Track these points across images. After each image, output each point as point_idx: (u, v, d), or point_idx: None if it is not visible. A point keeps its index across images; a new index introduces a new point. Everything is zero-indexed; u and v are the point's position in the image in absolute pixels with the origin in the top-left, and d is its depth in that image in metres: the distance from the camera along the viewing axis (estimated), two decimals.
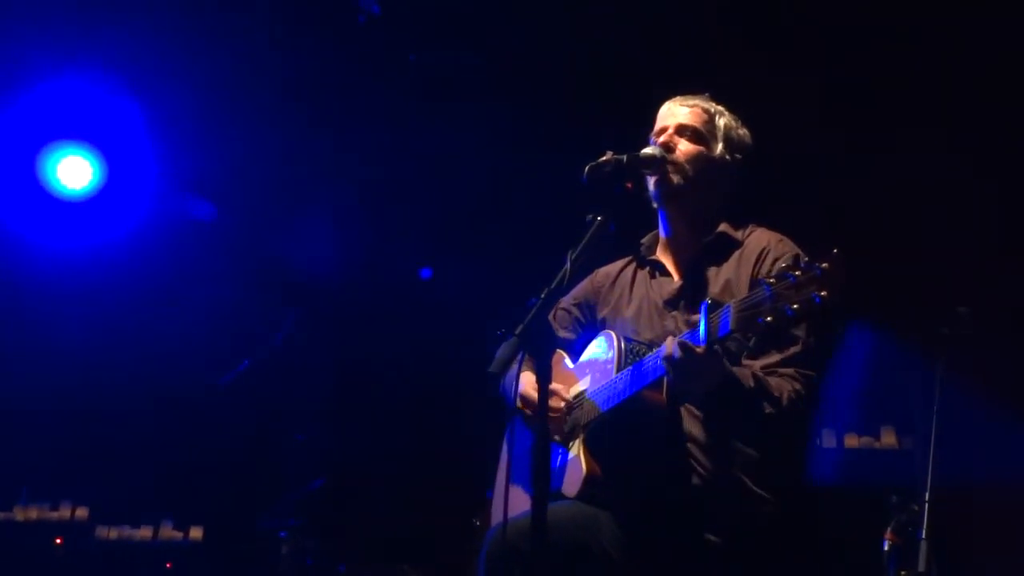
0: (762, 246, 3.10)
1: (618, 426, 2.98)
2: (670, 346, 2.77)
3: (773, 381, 2.92)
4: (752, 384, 2.87)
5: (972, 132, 4.88)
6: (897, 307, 4.70)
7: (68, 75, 5.65)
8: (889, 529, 3.94)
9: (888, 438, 4.67)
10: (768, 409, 2.88)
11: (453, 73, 5.50)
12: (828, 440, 4.69)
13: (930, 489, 3.75)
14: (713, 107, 3.23)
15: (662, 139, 3.18)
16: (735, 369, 2.89)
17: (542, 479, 2.55)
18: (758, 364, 2.97)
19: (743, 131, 3.23)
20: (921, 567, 3.66)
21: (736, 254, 3.13)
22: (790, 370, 2.95)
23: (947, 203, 4.91)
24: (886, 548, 3.92)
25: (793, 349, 2.97)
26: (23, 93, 5.68)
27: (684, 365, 2.75)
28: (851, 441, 4.70)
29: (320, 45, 5.60)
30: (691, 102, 3.23)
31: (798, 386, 2.93)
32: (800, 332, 2.97)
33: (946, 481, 3.76)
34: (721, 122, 3.20)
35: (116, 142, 5.82)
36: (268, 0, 5.50)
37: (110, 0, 5.43)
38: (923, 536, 3.68)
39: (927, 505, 3.73)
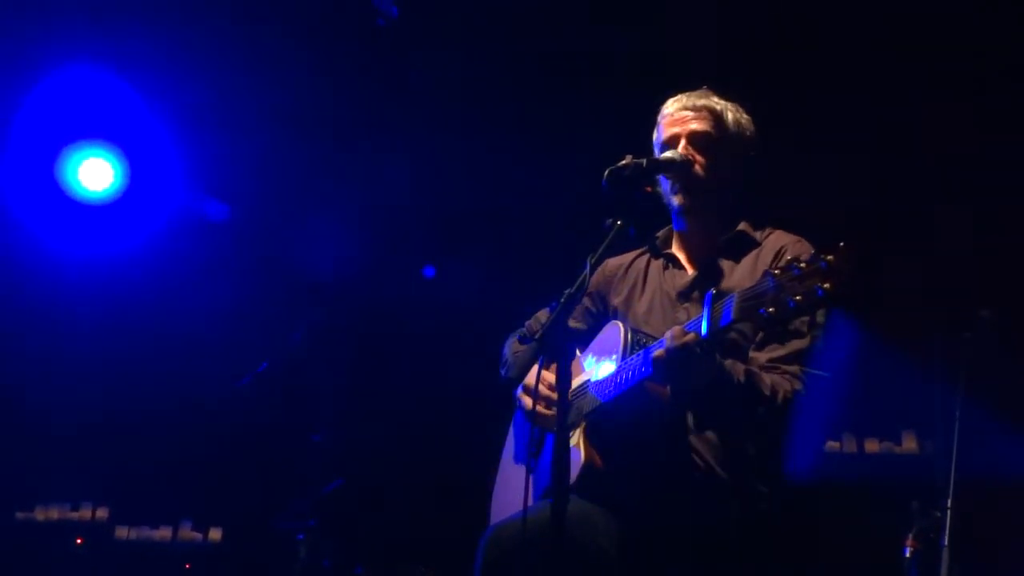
0: (780, 245, 3.09)
1: (618, 417, 2.95)
2: (669, 339, 2.74)
3: (768, 378, 2.88)
4: (742, 380, 2.84)
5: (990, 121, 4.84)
6: (918, 311, 4.66)
7: (88, 77, 5.67)
8: (911, 535, 3.91)
9: (909, 443, 4.65)
10: (759, 406, 2.84)
11: (465, 76, 5.50)
12: (848, 445, 4.67)
13: (952, 495, 3.73)
14: (717, 104, 3.18)
15: (680, 151, 3.13)
16: (726, 363, 2.86)
17: (560, 483, 2.54)
18: (763, 357, 2.94)
19: (746, 118, 3.21)
20: (943, 574, 3.63)
21: (753, 253, 3.12)
22: (794, 368, 2.92)
23: (967, 203, 4.87)
24: (907, 555, 3.89)
25: (799, 344, 2.94)
26: (44, 95, 5.70)
27: (675, 358, 2.72)
28: (871, 446, 4.68)
29: (337, 49, 5.59)
30: (696, 104, 3.18)
31: (798, 386, 2.90)
32: (807, 327, 2.93)
33: (968, 487, 3.73)
34: (729, 118, 3.17)
35: (135, 144, 5.83)
36: (286, 2, 5.50)
37: (127, 2, 5.44)
38: (945, 543, 3.67)
39: (949, 511, 3.71)
